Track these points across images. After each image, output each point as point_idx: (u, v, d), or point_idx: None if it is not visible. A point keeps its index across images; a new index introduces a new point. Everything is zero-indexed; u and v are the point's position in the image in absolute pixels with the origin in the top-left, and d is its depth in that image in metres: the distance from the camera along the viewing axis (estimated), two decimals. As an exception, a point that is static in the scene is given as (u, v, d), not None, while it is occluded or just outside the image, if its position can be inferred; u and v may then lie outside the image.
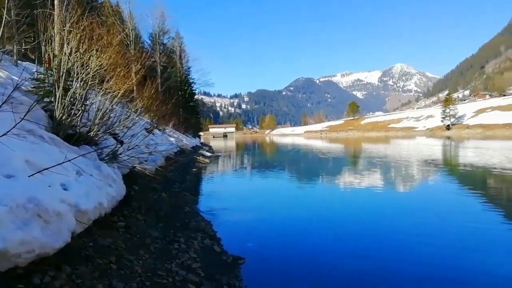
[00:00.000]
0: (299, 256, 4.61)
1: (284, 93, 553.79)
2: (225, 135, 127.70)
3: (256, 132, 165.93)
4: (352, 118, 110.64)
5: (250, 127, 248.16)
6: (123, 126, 6.47)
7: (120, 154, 5.87)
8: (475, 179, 11.46)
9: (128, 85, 6.63)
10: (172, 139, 16.57)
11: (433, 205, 7.87)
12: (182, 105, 33.42)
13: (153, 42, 28.66)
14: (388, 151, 26.36)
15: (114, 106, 6.10)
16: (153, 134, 11.82)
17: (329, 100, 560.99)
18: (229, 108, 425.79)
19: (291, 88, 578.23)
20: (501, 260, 4.38)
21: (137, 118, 7.29)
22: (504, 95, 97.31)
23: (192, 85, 39.69)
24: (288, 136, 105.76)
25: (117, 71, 6.56)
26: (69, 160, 3.49)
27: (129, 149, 6.14)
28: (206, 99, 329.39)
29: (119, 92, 6.20)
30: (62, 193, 3.24)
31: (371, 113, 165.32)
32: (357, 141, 48.85)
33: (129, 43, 21.28)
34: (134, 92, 12.48)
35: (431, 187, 10.66)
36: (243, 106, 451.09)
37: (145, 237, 4.31)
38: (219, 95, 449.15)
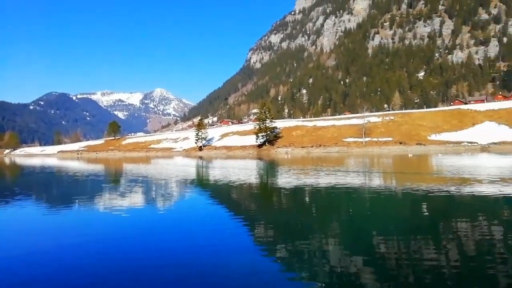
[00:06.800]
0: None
1: (31, 107, 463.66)
2: None
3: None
4: (113, 138, 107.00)
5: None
6: None
7: None
8: (220, 191, 14.41)
9: None
10: None
11: (187, 215, 9.38)
12: None
13: None
14: (149, 170, 27.80)
15: None
16: None
17: (88, 118, 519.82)
18: None
19: (41, 103, 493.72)
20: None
21: None
22: (241, 123, 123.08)
23: None
24: (37, 156, 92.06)
25: None
26: None
27: None
28: None
29: None
30: None
31: (132, 134, 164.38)
32: (118, 161, 47.88)
33: None
34: None
35: (183, 202, 12.40)
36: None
37: None
38: None
